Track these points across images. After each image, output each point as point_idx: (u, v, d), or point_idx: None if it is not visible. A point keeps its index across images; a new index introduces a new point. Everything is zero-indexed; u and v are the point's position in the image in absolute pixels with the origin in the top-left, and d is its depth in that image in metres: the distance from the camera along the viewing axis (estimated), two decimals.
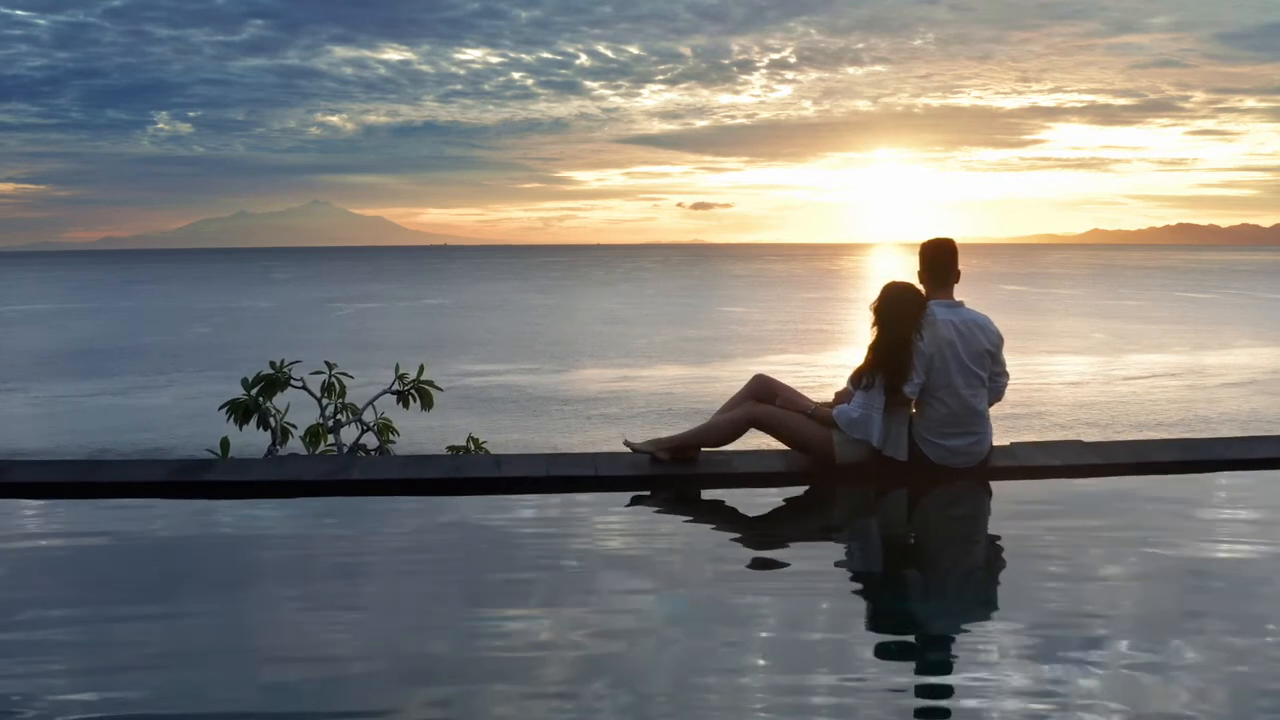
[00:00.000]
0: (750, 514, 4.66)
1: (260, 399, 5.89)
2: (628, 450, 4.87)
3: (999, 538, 4.35)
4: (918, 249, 4.94)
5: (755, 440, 5.13)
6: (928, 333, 4.57)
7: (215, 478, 4.65)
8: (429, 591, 3.44)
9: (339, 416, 6.25)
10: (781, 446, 4.88)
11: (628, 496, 4.57)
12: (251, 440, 6.02)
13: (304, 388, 6.17)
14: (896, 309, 4.64)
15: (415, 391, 6.26)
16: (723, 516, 4.55)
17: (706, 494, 4.75)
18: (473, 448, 6.23)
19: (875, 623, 3.23)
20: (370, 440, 6.36)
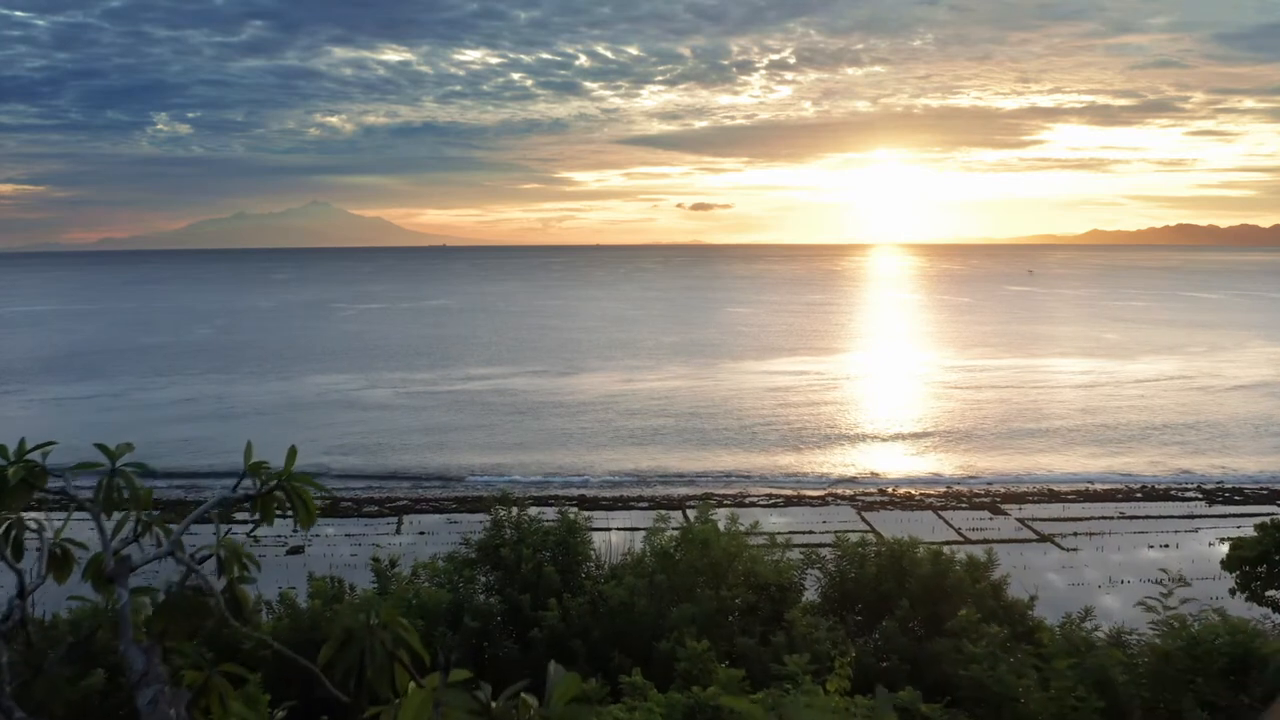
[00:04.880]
0: None
1: None
2: None
3: None
4: None
5: None
6: None
7: None
8: None
9: (138, 544, 3.53)
10: None
11: None
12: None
13: (64, 492, 3.46)
14: None
15: (284, 493, 3.56)
16: None
17: None
18: (375, 630, 3.13)
19: None
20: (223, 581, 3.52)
